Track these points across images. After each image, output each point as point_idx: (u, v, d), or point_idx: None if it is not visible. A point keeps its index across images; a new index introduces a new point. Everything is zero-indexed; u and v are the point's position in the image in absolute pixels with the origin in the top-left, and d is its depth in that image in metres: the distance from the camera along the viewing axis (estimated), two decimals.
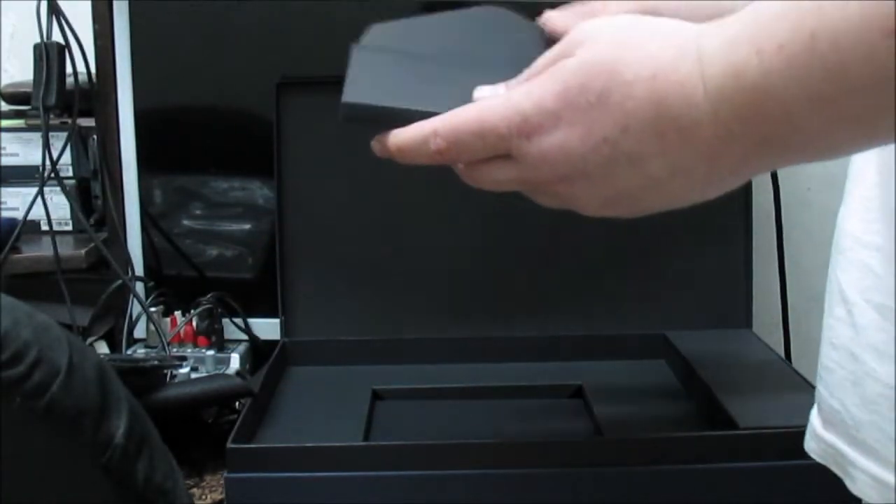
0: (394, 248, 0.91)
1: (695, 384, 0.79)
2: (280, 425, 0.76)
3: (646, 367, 0.88)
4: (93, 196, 1.03)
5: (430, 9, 0.92)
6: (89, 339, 0.95)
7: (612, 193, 0.43)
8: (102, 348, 0.97)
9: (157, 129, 0.97)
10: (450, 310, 0.91)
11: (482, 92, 0.47)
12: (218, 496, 0.75)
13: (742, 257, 0.92)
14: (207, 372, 0.89)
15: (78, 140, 1.02)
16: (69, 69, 0.94)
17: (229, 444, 0.65)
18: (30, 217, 0.97)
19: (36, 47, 0.92)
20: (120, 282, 0.94)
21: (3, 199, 1.02)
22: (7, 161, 1.03)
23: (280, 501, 0.65)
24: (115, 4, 0.94)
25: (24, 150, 1.03)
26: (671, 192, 0.43)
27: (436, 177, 0.91)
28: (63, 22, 0.92)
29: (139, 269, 0.98)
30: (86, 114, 0.97)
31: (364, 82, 0.52)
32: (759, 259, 0.94)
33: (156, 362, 0.79)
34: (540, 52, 0.45)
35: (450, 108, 0.46)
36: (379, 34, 0.57)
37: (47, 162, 0.93)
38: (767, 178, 0.95)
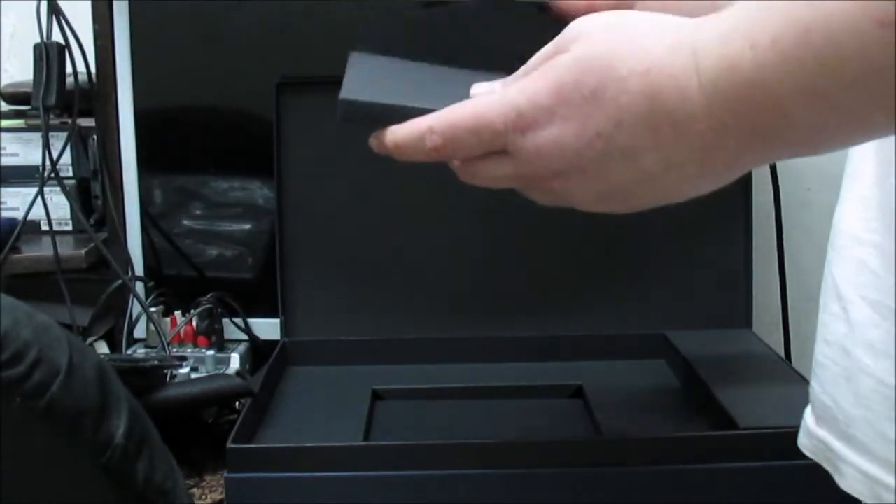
0: (394, 248, 0.91)
1: (695, 384, 0.79)
2: (280, 425, 0.76)
3: (646, 367, 0.88)
4: (93, 196, 1.03)
5: (430, 8, 0.92)
6: (89, 339, 0.95)
7: (607, 188, 0.43)
8: (102, 348, 0.97)
9: (157, 129, 0.97)
10: (450, 310, 0.91)
11: (479, 89, 0.47)
12: (218, 496, 0.75)
13: (742, 257, 0.92)
14: (207, 372, 0.89)
15: (78, 140, 1.02)
16: (69, 69, 0.94)
17: (229, 444, 0.65)
18: (30, 217, 0.97)
19: (36, 47, 0.92)
20: (120, 282, 0.94)
21: (3, 199, 1.02)
22: (7, 161, 1.03)
23: (280, 501, 0.65)
24: (115, 4, 0.94)
25: (24, 150, 1.03)
26: (665, 187, 0.43)
27: (436, 177, 0.91)
28: (63, 22, 0.92)
29: (139, 269, 0.98)
30: (86, 114, 0.97)
31: (361, 81, 0.52)
32: (759, 259, 0.94)
33: (156, 362, 0.79)
34: (538, 48, 0.45)
35: (447, 105, 0.46)
36: (377, 33, 0.57)
37: (47, 162, 0.93)
38: (767, 178, 0.95)
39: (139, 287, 0.96)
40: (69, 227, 1.03)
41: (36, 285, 0.94)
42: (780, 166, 0.95)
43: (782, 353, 0.92)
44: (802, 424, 0.51)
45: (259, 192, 0.98)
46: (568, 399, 0.82)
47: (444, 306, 0.91)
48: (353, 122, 0.50)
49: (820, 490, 0.48)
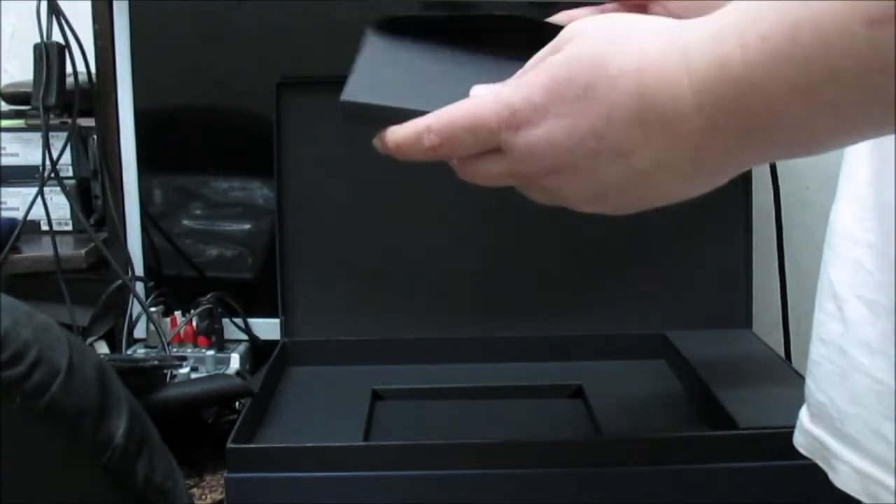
0: (394, 248, 0.91)
1: (695, 384, 0.79)
2: (280, 425, 0.76)
3: (646, 367, 0.88)
4: (93, 196, 1.03)
5: (430, 9, 0.93)
6: (89, 339, 0.95)
7: (600, 187, 0.43)
8: (102, 348, 0.97)
9: (157, 129, 0.97)
10: (450, 310, 0.91)
11: (478, 91, 0.48)
12: (218, 496, 0.75)
13: (742, 257, 0.92)
14: (207, 372, 0.89)
15: (78, 140, 1.02)
16: (69, 69, 0.94)
17: (229, 444, 0.65)
18: (30, 217, 0.97)
19: (36, 47, 0.92)
20: (120, 282, 0.94)
21: (3, 199, 1.02)
22: (7, 161, 1.03)
23: (280, 501, 0.65)
24: (115, 4, 0.94)
25: (24, 150, 1.03)
26: (658, 187, 0.43)
27: (436, 177, 0.91)
28: (63, 22, 0.92)
29: (139, 269, 0.98)
30: (86, 114, 0.97)
31: (365, 79, 0.53)
32: (759, 259, 0.94)
33: (156, 362, 0.79)
34: None
35: (445, 105, 0.46)
36: (395, 22, 0.58)
37: (47, 162, 0.93)
38: (767, 178, 0.95)
39: (139, 287, 0.96)
40: (69, 227, 1.03)
41: (36, 285, 0.94)
42: (780, 166, 0.95)
43: (782, 353, 0.92)
44: (798, 422, 0.51)
45: (259, 192, 0.98)
46: (568, 399, 0.82)
47: (444, 306, 0.91)
48: (354, 123, 0.51)
49: (820, 490, 0.48)
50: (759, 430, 0.66)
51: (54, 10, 0.91)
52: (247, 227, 0.99)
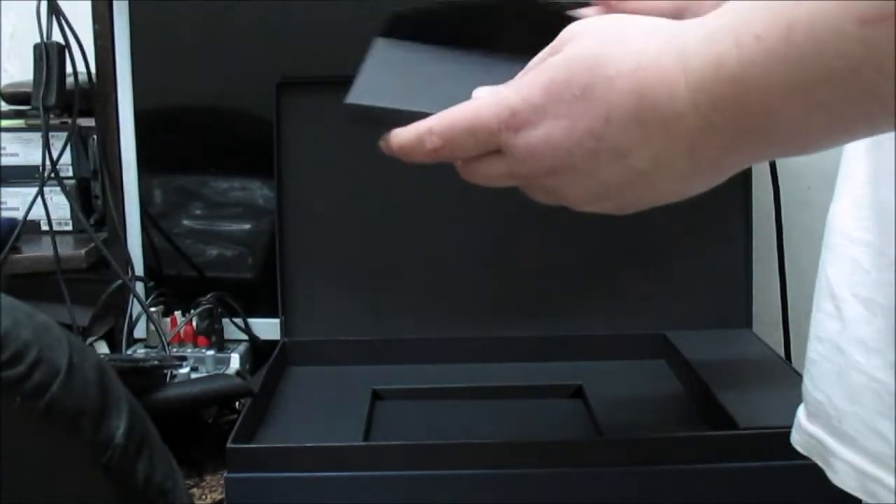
0: (394, 248, 0.91)
1: (695, 384, 0.79)
2: (280, 425, 0.76)
3: (646, 367, 0.88)
4: (93, 196, 1.03)
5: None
6: (89, 339, 0.95)
7: (599, 187, 0.44)
8: (102, 348, 0.97)
9: (157, 129, 0.97)
10: (450, 310, 0.91)
11: (480, 93, 0.48)
12: (218, 496, 0.75)
13: (742, 257, 0.92)
14: (207, 372, 0.89)
15: (78, 140, 1.02)
16: (69, 69, 0.94)
17: (229, 444, 0.65)
18: (30, 217, 0.97)
19: (36, 47, 0.92)
20: (120, 282, 0.94)
21: (3, 199, 1.02)
22: (7, 161, 1.03)
23: (280, 501, 0.65)
24: (115, 4, 0.94)
25: (24, 150, 1.03)
26: (656, 186, 0.43)
27: (436, 177, 0.91)
28: (63, 22, 0.92)
29: (139, 269, 0.98)
30: (86, 114, 0.97)
31: (369, 82, 0.54)
32: (759, 259, 0.94)
33: (156, 362, 0.79)
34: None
35: (447, 107, 0.47)
36: (402, 21, 0.59)
37: (47, 162, 0.93)
38: (767, 178, 0.95)
39: (139, 287, 0.96)
40: (69, 227, 1.03)
41: (36, 285, 0.94)
42: (780, 166, 0.95)
43: (782, 353, 0.92)
44: (795, 421, 0.52)
45: (259, 192, 0.98)
46: (568, 399, 0.82)
47: (444, 306, 0.91)
48: (357, 124, 0.52)
49: (819, 490, 0.48)
50: (759, 430, 0.66)
51: (54, 10, 0.91)
52: (247, 227, 0.99)
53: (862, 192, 0.46)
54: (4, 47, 1.22)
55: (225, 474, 0.65)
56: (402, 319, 0.91)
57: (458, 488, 0.65)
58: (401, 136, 0.48)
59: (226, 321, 0.95)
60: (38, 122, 0.93)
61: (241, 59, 0.95)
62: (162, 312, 0.96)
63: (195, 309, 0.93)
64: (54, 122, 0.96)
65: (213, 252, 1.00)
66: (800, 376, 0.77)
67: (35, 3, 0.91)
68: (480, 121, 0.45)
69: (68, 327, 0.82)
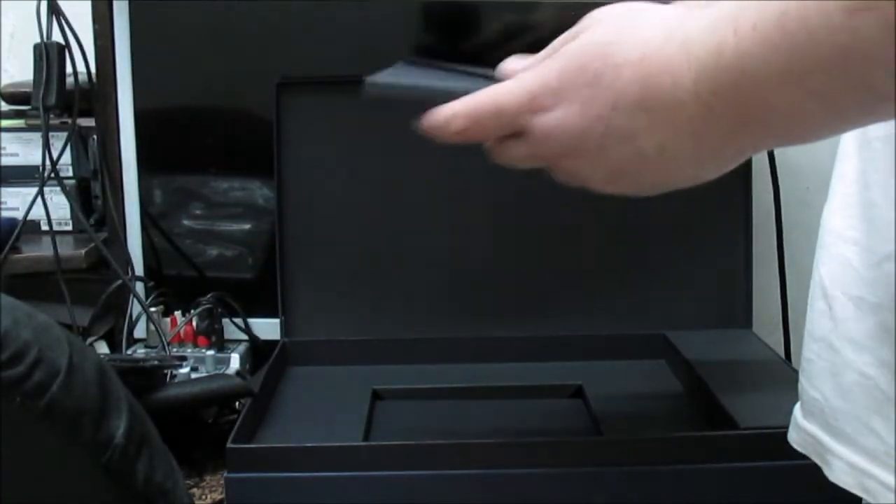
0: (394, 248, 0.91)
1: (695, 384, 0.79)
2: (280, 425, 0.76)
3: (646, 367, 0.88)
4: (93, 196, 1.03)
5: (431, 10, 0.93)
6: (89, 339, 0.96)
7: (611, 169, 0.46)
8: (102, 348, 0.97)
9: (157, 129, 0.97)
10: (450, 310, 0.91)
11: (510, 63, 0.51)
12: (218, 496, 0.75)
13: (742, 257, 0.92)
14: (207, 372, 0.89)
15: (78, 140, 1.02)
16: (69, 69, 0.94)
17: (229, 444, 0.65)
18: (30, 217, 0.97)
19: (36, 47, 0.92)
20: (120, 282, 0.94)
21: (3, 199, 1.02)
22: (7, 161, 1.03)
23: (280, 501, 0.65)
24: (115, 4, 0.94)
25: (24, 150, 1.03)
26: (664, 169, 0.45)
27: (436, 177, 0.92)
28: (63, 22, 0.92)
29: (139, 269, 0.98)
30: (86, 114, 0.97)
31: (391, 71, 0.58)
32: (759, 259, 0.94)
33: (156, 362, 0.79)
34: None
35: (461, 86, 0.50)
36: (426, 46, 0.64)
37: (47, 162, 0.93)
38: (767, 178, 0.95)
39: (139, 287, 0.96)
40: (69, 227, 1.03)
41: (36, 285, 0.94)
42: (780, 166, 0.95)
43: (782, 353, 0.92)
44: (792, 420, 0.52)
45: (259, 192, 0.98)
46: (568, 399, 0.82)
47: (444, 306, 0.91)
48: (374, 98, 0.56)
49: (819, 490, 0.48)
50: (759, 430, 0.66)
51: (54, 10, 0.91)
52: (247, 227, 0.99)
53: (851, 191, 0.47)
54: (4, 47, 1.22)
55: (225, 474, 0.65)
56: (402, 319, 0.91)
57: (458, 488, 0.65)
58: (430, 118, 0.51)
59: (226, 321, 0.95)
60: (38, 122, 0.93)
61: (241, 59, 0.95)
62: (162, 312, 0.96)
63: (195, 309, 0.93)
64: (54, 122, 0.96)
65: (213, 252, 1.00)
66: None
67: (35, 3, 0.91)
68: (502, 104, 0.48)
69: (68, 327, 0.82)
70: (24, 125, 1.03)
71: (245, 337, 0.96)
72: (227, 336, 0.94)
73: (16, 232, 0.95)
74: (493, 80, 0.52)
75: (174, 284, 0.99)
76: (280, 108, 0.90)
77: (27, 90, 0.96)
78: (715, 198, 0.90)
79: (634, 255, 0.92)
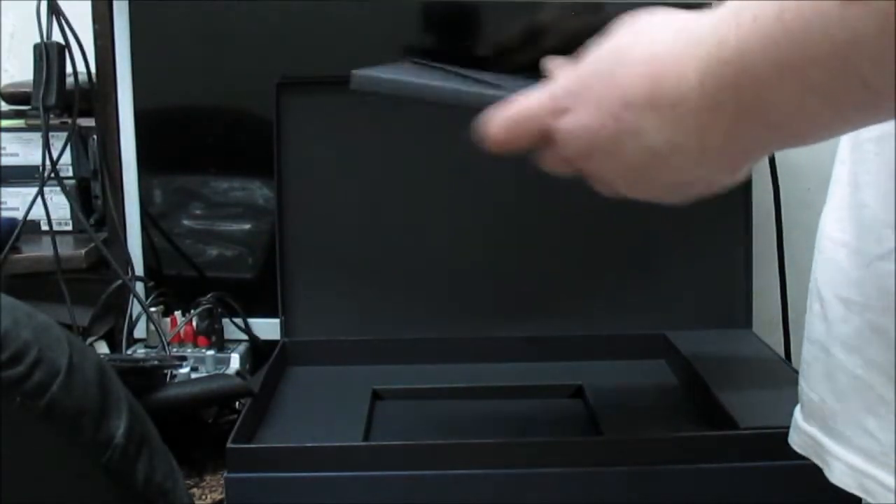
0: (394, 248, 0.91)
1: (695, 384, 0.79)
2: (280, 425, 0.76)
3: (646, 367, 0.88)
4: (93, 196, 1.03)
5: (431, 10, 0.93)
6: (89, 339, 0.95)
7: (627, 168, 0.46)
8: (102, 348, 0.97)
9: (157, 129, 0.97)
10: (450, 310, 0.91)
11: (549, 64, 0.52)
12: (218, 496, 0.75)
13: (742, 257, 0.92)
14: (207, 372, 0.89)
15: (78, 140, 1.02)
16: (69, 69, 0.94)
17: (229, 444, 0.65)
18: (30, 217, 0.96)
19: (36, 47, 0.92)
20: (120, 282, 0.93)
21: (3, 199, 1.02)
22: (7, 161, 1.03)
23: (280, 501, 0.65)
24: (115, 4, 0.94)
25: (24, 150, 1.03)
26: (673, 169, 0.45)
27: (436, 177, 0.92)
28: (63, 22, 0.92)
29: (139, 269, 0.98)
30: (86, 114, 0.97)
31: (382, 68, 0.59)
32: (759, 259, 0.94)
33: (156, 362, 0.79)
34: None
35: (448, 86, 0.52)
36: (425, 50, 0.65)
37: (47, 162, 0.93)
38: (767, 178, 0.95)
39: (139, 287, 0.96)
40: (69, 227, 1.03)
41: (36, 285, 0.93)
42: (780, 166, 0.95)
43: (782, 353, 0.92)
44: (792, 422, 0.52)
45: (259, 192, 0.98)
46: (568, 399, 0.82)
47: (444, 306, 0.91)
48: (361, 91, 0.58)
49: (819, 490, 0.48)
50: (759, 430, 0.66)
51: (54, 10, 0.91)
52: (247, 227, 0.99)
53: (844, 194, 0.48)
54: (4, 47, 1.22)
55: (225, 474, 0.65)
56: (402, 319, 0.91)
57: (458, 488, 0.65)
58: (478, 130, 0.52)
59: (226, 321, 0.95)
60: (38, 122, 0.93)
61: (241, 59, 0.95)
62: (162, 312, 0.96)
63: (195, 309, 0.93)
64: (54, 122, 0.96)
65: (213, 252, 1.00)
66: None
67: (35, 3, 0.91)
68: (527, 109, 0.49)
69: (68, 327, 0.82)
70: (24, 125, 1.03)
71: (245, 337, 0.96)
72: (227, 336, 0.94)
73: (16, 232, 0.95)
74: (484, 82, 0.52)
75: (174, 284, 0.99)
76: (280, 108, 0.90)
77: (27, 90, 0.96)
78: (715, 198, 0.90)
79: (634, 255, 0.92)
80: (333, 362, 0.89)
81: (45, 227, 0.96)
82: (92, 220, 1.01)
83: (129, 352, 0.93)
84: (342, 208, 0.91)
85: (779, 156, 0.94)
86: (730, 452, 0.66)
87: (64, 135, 0.97)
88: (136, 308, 0.95)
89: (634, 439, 0.68)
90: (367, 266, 0.91)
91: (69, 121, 0.96)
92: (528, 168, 0.52)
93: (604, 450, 0.67)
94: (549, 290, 0.92)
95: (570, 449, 0.67)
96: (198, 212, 0.99)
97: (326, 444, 0.66)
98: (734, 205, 0.91)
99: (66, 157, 1.00)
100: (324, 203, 0.91)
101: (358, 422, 0.75)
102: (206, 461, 0.79)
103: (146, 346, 0.94)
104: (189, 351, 0.91)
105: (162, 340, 0.90)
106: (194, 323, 0.93)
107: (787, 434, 0.53)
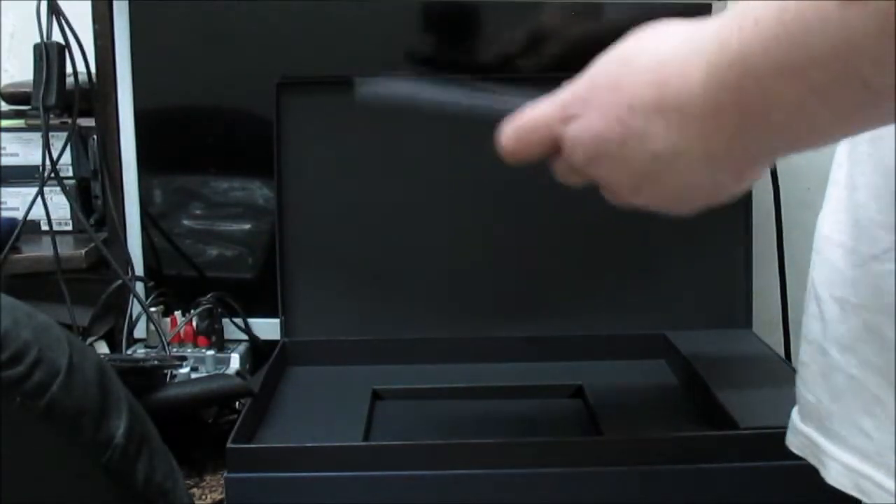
0: (394, 248, 0.91)
1: (695, 384, 0.79)
2: (280, 425, 0.76)
3: (646, 367, 0.88)
4: (93, 196, 1.03)
5: (431, 10, 0.93)
6: (89, 339, 0.96)
7: (633, 174, 0.46)
8: (102, 348, 0.97)
9: (157, 129, 0.97)
10: (450, 310, 0.91)
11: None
12: (218, 496, 0.75)
13: (742, 257, 0.92)
14: (207, 372, 0.89)
15: (78, 140, 1.02)
16: (69, 69, 0.94)
17: (229, 444, 0.65)
18: (30, 217, 0.96)
19: (36, 47, 0.92)
20: (120, 282, 0.94)
21: (3, 199, 1.02)
22: (7, 161, 1.03)
23: (280, 501, 0.65)
24: (115, 4, 0.94)
25: (24, 150, 1.03)
26: (680, 174, 0.45)
27: (436, 177, 0.92)
28: (63, 22, 0.92)
29: (139, 269, 0.98)
30: (86, 114, 0.97)
31: (381, 78, 0.60)
32: (759, 259, 0.94)
33: (156, 362, 0.79)
34: None
35: (449, 98, 0.53)
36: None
37: (47, 162, 0.93)
38: (767, 178, 0.95)
39: (139, 287, 0.96)
40: (69, 227, 1.03)
41: (36, 285, 0.94)
42: (780, 166, 0.95)
43: (782, 353, 0.92)
44: (790, 423, 0.52)
45: (259, 192, 0.98)
46: (568, 399, 0.82)
47: (444, 306, 0.91)
48: (365, 100, 0.59)
49: (819, 490, 0.48)
50: (759, 430, 0.66)
51: (54, 10, 0.91)
52: (247, 227, 0.99)
53: (841, 196, 0.48)
54: (4, 47, 1.22)
55: (225, 474, 0.65)
56: (402, 319, 0.91)
57: (457, 488, 0.65)
58: (497, 142, 0.52)
59: (226, 321, 0.95)
60: (38, 122, 0.93)
61: (241, 59, 0.95)
62: (162, 312, 0.96)
63: (195, 309, 0.93)
64: (54, 122, 0.95)
65: (213, 252, 1.00)
66: None
67: (35, 3, 0.91)
68: (539, 118, 0.50)
69: (68, 327, 0.82)
70: (24, 125, 1.03)
71: (245, 337, 0.96)
72: (227, 336, 0.94)
73: (16, 232, 0.95)
74: (486, 91, 0.53)
75: (174, 284, 0.99)
76: (280, 108, 0.90)
77: (27, 90, 0.96)
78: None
79: (634, 255, 0.92)
80: (333, 362, 0.89)
81: (45, 227, 0.96)
82: (92, 220, 1.01)
83: (129, 352, 0.93)
84: (342, 208, 0.91)
85: None
86: (730, 452, 0.66)
87: (64, 135, 0.98)
88: (136, 308, 0.95)
89: (634, 439, 0.68)
90: (367, 266, 0.91)
91: (69, 121, 0.96)
92: (528, 168, 0.52)
93: (604, 450, 0.67)
94: (549, 290, 0.92)
95: (570, 449, 0.67)
96: (198, 212, 0.99)
97: (326, 444, 0.66)
98: (734, 205, 0.89)
99: (66, 157, 1.00)
100: (324, 203, 0.91)
101: (358, 422, 0.75)
102: (206, 461, 0.79)
103: (146, 346, 0.94)
104: (189, 351, 0.91)
105: (162, 340, 0.90)
106: (194, 323, 0.93)
107: (786, 434, 0.53)
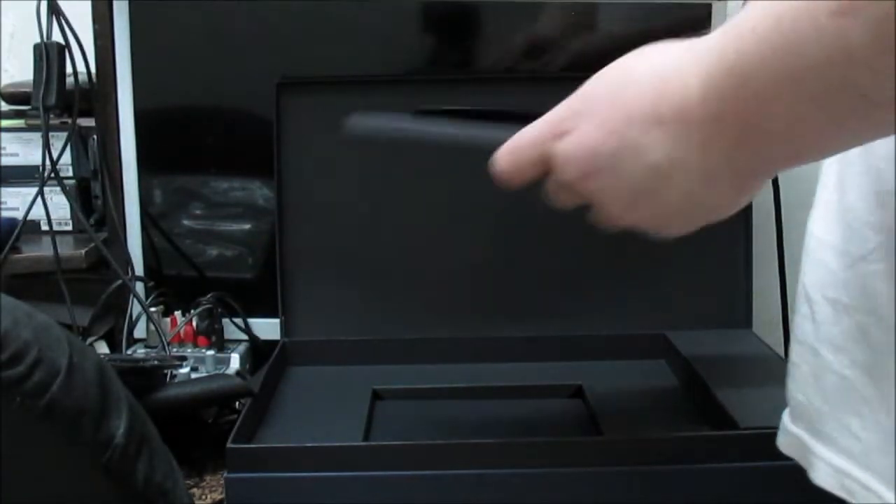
0: (394, 248, 0.91)
1: (695, 384, 0.79)
2: (280, 425, 0.76)
3: (646, 367, 0.88)
4: (93, 196, 1.03)
5: (430, 10, 0.93)
6: (89, 339, 0.96)
7: (627, 189, 0.46)
8: (102, 348, 0.97)
9: (157, 129, 0.97)
10: (450, 310, 0.91)
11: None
12: (218, 496, 0.75)
13: (742, 257, 0.92)
14: (207, 372, 0.89)
15: (78, 140, 1.02)
16: (69, 69, 0.94)
17: (229, 444, 0.65)
18: (30, 217, 0.96)
19: (36, 47, 0.92)
20: (120, 282, 0.94)
21: (3, 199, 1.02)
22: (7, 161, 1.03)
23: (280, 501, 0.65)
24: (115, 4, 0.94)
25: (24, 150, 1.03)
26: (676, 188, 0.45)
27: (436, 177, 0.92)
28: (63, 22, 0.92)
29: (139, 269, 0.98)
30: (86, 114, 0.97)
31: (377, 115, 0.61)
32: (759, 259, 0.94)
33: (156, 362, 0.79)
34: None
35: (439, 131, 0.54)
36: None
37: (47, 162, 0.93)
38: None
39: (139, 287, 0.96)
40: (69, 227, 1.03)
41: (36, 285, 0.94)
42: None
43: (782, 353, 0.92)
44: (781, 424, 0.53)
45: (259, 192, 0.98)
46: (568, 399, 0.82)
47: (444, 306, 0.91)
48: (355, 136, 0.60)
49: (819, 490, 0.48)
50: (759, 430, 0.66)
51: (54, 10, 0.91)
52: (247, 227, 0.99)
53: (831, 198, 0.48)
54: (4, 47, 1.22)
55: (225, 474, 0.65)
56: (402, 319, 0.91)
57: (458, 488, 0.65)
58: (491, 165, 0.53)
59: (226, 321, 0.95)
60: (38, 122, 0.93)
61: (241, 59, 0.95)
62: (162, 312, 0.96)
63: (195, 309, 0.93)
64: (54, 122, 0.95)
65: (213, 252, 1.00)
66: None
67: (35, 3, 0.91)
68: (529, 136, 0.50)
69: (68, 327, 0.82)
70: (24, 125, 1.03)
71: (245, 337, 0.96)
72: (227, 336, 0.94)
73: (16, 232, 0.95)
74: (477, 125, 0.53)
75: (174, 284, 0.99)
76: (280, 108, 0.90)
77: (27, 90, 0.96)
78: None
79: (634, 255, 0.91)
80: (333, 362, 0.89)
81: (45, 227, 0.96)
82: (92, 220, 1.02)
83: (129, 352, 0.93)
84: (342, 208, 0.91)
85: None
86: (730, 452, 0.66)
87: (64, 135, 0.98)
88: (136, 308, 0.95)
89: (634, 439, 0.68)
90: (367, 266, 0.91)
91: (69, 121, 0.96)
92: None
93: (604, 450, 0.67)
94: (549, 290, 0.92)
95: (570, 449, 0.67)
96: (198, 212, 0.99)
97: (326, 444, 0.66)
98: None
99: (66, 157, 1.00)
100: (324, 203, 0.91)
101: (358, 422, 0.75)
102: (206, 461, 0.79)
103: (146, 346, 0.94)
104: (189, 351, 0.91)
105: (162, 340, 0.90)
106: (194, 323, 0.93)
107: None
